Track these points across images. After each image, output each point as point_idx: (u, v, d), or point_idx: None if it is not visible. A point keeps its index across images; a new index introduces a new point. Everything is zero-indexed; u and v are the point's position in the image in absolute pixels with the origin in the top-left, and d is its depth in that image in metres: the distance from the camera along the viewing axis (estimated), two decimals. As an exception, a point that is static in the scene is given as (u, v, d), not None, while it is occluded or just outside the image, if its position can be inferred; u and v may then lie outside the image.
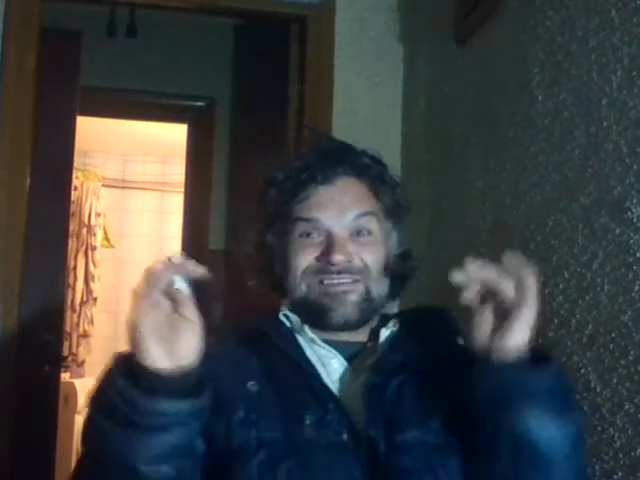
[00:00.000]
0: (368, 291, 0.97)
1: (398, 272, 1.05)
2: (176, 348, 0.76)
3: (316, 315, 0.97)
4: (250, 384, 0.91)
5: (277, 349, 0.96)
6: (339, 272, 0.96)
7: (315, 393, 0.90)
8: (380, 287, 0.99)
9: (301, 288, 0.98)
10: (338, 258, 0.95)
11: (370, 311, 0.98)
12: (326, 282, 0.96)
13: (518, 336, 0.79)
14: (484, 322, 0.81)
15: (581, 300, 1.22)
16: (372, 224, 1.00)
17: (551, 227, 1.33)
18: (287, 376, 0.93)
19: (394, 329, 1.00)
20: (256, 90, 3.01)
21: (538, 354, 0.81)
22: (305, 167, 1.00)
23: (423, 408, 0.90)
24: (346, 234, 0.97)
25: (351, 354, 0.98)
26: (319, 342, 0.97)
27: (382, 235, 1.01)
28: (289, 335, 0.99)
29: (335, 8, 2.27)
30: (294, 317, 1.00)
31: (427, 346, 0.97)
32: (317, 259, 0.97)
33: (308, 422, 0.87)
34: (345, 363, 0.96)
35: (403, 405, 0.90)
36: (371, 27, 2.29)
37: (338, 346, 0.98)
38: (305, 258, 0.97)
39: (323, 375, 0.94)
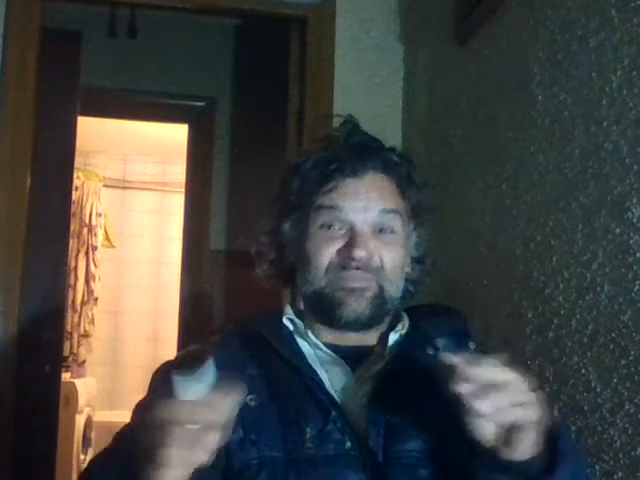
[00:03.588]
0: (382, 290, 0.95)
1: (413, 276, 1.04)
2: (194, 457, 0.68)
3: (328, 309, 0.95)
4: (249, 398, 0.88)
5: (278, 355, 0.93)
6: (357, 268, 0.94)
7: (317, 400, 0.88)
8: (393, 288, 0.97)
9: (321, 282, 0.95)
10: (360, 254, 0.93)
11: (382, 310, 0.96)
12: (343, 277, 0.94)
13: (522, 448, 0.73)
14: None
15: (581, 300, 1.22)
16: (396, 222, 0.98)
17: (551, 227, 1.33)
18: (288, 384, 0.91)
19: (402, 332, 0.98)
20: (256, 90, 3.01)
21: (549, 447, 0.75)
22: (333, 158, 0.98)
23: (424, 419, 0.87)
24: (369, 230, 0.95)
25: (357, 359, 0.95)
26: (323, 348, 0.96)
27: (404, 235, 0.99)
28: (290, 340, 0.97)
29: (335, 8, 2.27)
30: (298, 321, 0.98)
31: (436, 350, 0.94)
32: (338, 252, 0.95)
33: (309, 435, 0.85)
34: (349, 370, 0.94)
35: (404, 414, 0.88)
36: (371, 27, 2.29)
37: (344, 351, 0.96)
38: (328, 251, 0.95)
39: (326, 383, 0.92)
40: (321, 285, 0.96)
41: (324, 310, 0.96)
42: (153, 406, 0.68)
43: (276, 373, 0.92)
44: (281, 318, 1.00)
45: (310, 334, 0.97)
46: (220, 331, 1.03)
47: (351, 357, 0.95)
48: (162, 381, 0.95)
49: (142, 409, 0.91)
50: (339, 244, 0.95)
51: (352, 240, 0.94)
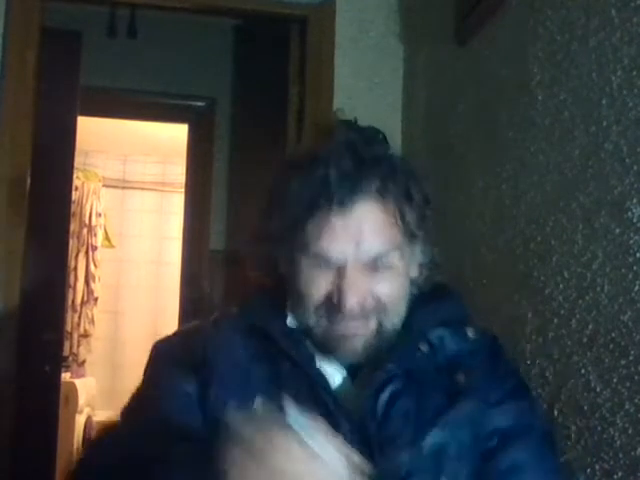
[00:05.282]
0: (380, 326, 0.90)
1: (420, 279, 0.97)
2: None
3: (322, 349, 0.92)
4: (257, 403, 0.88)
5: (284, 354, 0.91)
6: (351, 317, 0.87)
7: (322, 402, 0.87)
8: (395, 317, 0.91)
9: (310, 321, 0.91)
10: (351, 304, 0.85)
11: (380, 343, 0.91)
12: (334, 323, 0.89)
13: None
14: None
15: (581, 300, 1.21)
16: (393, 258, 0.89)
17: (551, 227, 1.32)
18: (295, 386, 0.88)
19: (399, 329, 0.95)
20: (256, 90, 3.01)
21: None
22: (321, 185, 0.85)
23: (416, 425, 0.86)
24: (361, 267, 0.87)
25: (356, 365, 0.93)
26: (321, 356, 0.93)
27: (404, 262, 0.91)
28: (297, 340, 0.94)
29: (335, 8, 2.27)
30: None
31: (429, 347, 0.94)
32: (327, 297, 0.88)
33: None
34: (347, 377, 0.93)
35: (393, 424, 0.86)
36: (371, 27, 2.29)
37: (342, 357, 0.93)
38: (316, 291, 0.88)
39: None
40: (311, 324, 0.91)
41: (317, 346, 0.93)
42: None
43: (283, 373, 0.91)
44: (283, 315, 0.97)
45: (308, 343, 0.95)
46: (221, 316, 1.00)
47: (350, 363, 0.94)
48: (164, 363, 0.95)
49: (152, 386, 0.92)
50: (329, 283, 0.87)
51: (342, 286, 0.86)
